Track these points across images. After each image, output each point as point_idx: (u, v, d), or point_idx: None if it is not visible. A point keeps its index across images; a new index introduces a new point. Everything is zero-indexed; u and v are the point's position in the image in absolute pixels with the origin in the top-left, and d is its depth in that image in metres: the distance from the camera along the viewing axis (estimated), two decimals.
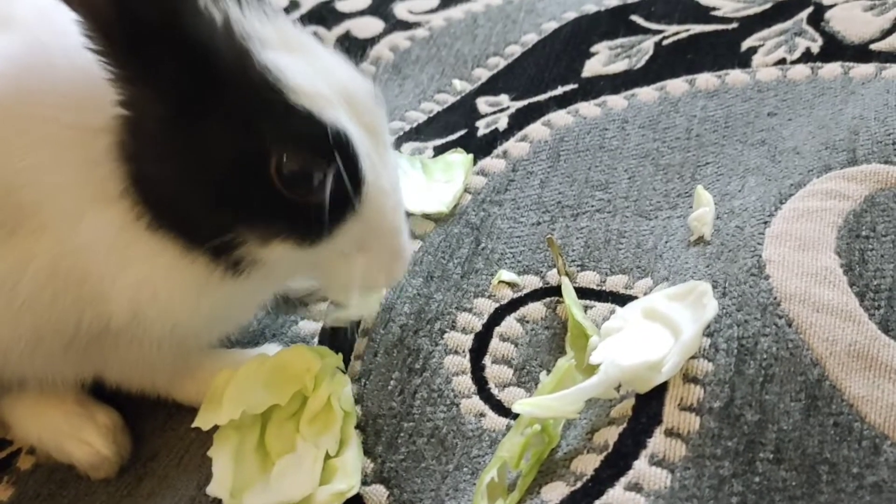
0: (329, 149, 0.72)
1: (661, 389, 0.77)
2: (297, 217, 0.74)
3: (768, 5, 1.22)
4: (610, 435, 0.77)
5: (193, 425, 0.85)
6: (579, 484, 0.75)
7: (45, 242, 0.76)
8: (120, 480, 0.92)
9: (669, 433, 0.74)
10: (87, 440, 0.91)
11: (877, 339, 0.77)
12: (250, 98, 0.71)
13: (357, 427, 0.87)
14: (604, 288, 0.93)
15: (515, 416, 0.82)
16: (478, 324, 0.93)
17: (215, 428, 0.85)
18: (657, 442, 0.74)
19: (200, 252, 0.76)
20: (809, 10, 1.18)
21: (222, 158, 0.72)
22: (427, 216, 1.05)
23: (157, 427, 0.94)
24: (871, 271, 0.82)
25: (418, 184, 1.07)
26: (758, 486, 0.71)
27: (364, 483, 0.83)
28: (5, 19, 0.79)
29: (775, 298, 0.80)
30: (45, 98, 0.75)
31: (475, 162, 1.11)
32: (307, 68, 0.74)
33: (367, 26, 1.41)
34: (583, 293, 0.93)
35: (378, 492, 0.82)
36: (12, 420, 0.95)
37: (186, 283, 0.77)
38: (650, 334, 0.80)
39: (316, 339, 0.98)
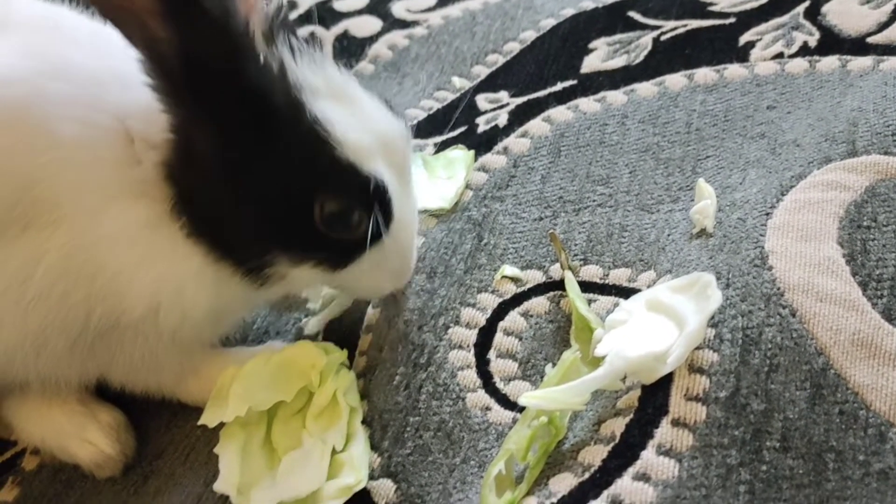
0: (369, 198, 0.80)
1: (667, 380, 0.77)
2: (332, 249, 0.82)
3: (765, 0, 1.22)
4: (617, 426, 0.77)
5: (199, 422, 0.85)
6: (587, 475, 0.75)
7: (60, 237, 0.77)
8: (126, 479, 0.92)
9: (676, 423, 0.75)
10: (90, 439, 0.91)
11: (880, 327, 0.78)
12: (301, 145, 0.77)
13: (363, 422, 0.87)
14: (607, 281, 0.94)
15: (521, 409, 0.82)
16: (482, 319, 0.93)
17: (221, 425, 0.85)
18: (664, 432, 0.74)
19: (233, 266, 0.81)
20: (806, 4, 1.19)
21: (269, 195, 0.78)
22: (429, 212, 1.05)
23: (163, 425, 0.94)
24: (874, 261, 0.82)
25: (420, 180, 1.07)
26: (765, 474, 0.71)
27: (371, 477, 0.83)
28: (2, 23, 0.80)
29: (779, 289, 0.80)
30: (65, 98, 0.77)
31: (476, 158, 1.11)
32: (351, 119, 0.80)
33: (366, 25, 1.41)
34: (586, 287, 0.93)
35: (385, 486, 0.83)
36: (15, 421, 0.95)
37: (210, 283, 0.82)
38: (655, 326, 0.80)
39: (321, 335, 0.98)
